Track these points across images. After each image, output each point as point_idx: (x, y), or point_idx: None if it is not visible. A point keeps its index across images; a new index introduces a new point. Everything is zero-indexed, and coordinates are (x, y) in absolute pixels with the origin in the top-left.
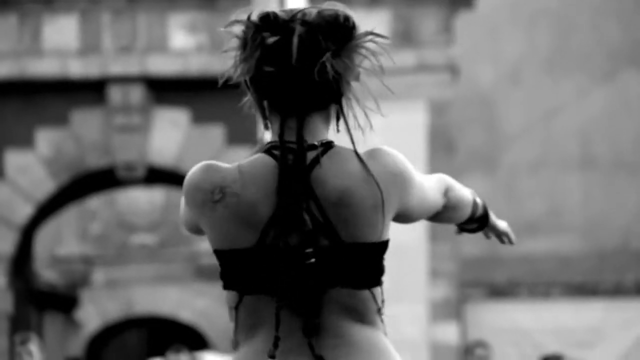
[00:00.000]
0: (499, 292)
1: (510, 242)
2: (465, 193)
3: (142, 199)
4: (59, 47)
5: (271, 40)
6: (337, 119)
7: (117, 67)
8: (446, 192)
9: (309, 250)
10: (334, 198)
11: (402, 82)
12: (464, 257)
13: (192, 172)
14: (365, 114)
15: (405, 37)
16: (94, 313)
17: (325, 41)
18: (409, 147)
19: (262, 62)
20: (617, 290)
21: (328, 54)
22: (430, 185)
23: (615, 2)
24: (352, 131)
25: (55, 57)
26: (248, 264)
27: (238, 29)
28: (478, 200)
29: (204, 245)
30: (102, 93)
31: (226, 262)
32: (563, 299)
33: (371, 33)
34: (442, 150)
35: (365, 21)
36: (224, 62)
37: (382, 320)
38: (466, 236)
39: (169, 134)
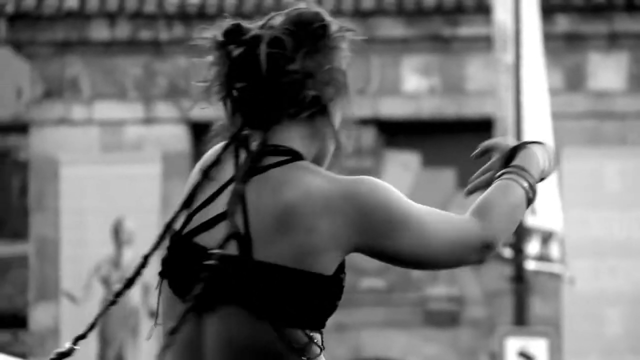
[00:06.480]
0: None
1: None
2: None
3: None
4: None
5: (236, 52)
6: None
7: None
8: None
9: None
10: (270, 211)
11: None
12: None
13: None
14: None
15: None
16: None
17: (296, 44)
18: None
19: (232, 79)
20: None
21: (300, 58)
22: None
23: None
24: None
25: None
26: (168, 248)
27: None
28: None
29: (433, 291)
30: None
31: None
32: None
33: (344, 29)
34: None
35: (604, 63)
36: (458, 105)
37: None
38: None
39: (400, 178)
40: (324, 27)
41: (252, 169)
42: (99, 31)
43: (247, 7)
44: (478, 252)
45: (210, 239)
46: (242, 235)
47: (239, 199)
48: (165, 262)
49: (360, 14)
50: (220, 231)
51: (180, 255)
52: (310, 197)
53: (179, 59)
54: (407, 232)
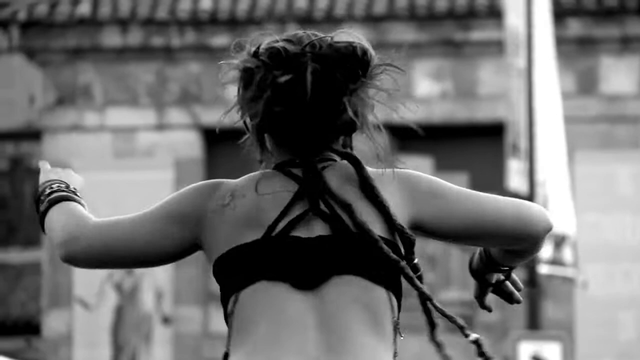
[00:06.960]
0: None
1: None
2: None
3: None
4: None
5: (283, 79)
6: (346, 146)
7: None
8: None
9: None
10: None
11: None
12: None
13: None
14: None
15: None
16: None
17: (342, 77)
18: None
19: (272, 103)
20: None
21: (348, 96)
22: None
23: None
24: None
25: None
26: (255, 255)
27: (239, 61)
28: None
29: (446, 295)
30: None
31: (228, 263)
32: None
33: (386, 64)
34: None
35: (616, 66)
36: (470, 110)
37: (396, 337)
38: None
39: None
40: (369, 62)
41: (318, 172)
42: (111, 38)
43: (258, 13)
44: (543, 224)
45: (305, 230)
46: (337, 218)
47: (324, 188)
48: (257, 263)
49: (372, 19)
50: (311, 223)
51: (279, 251)
52: (375, 178)
53: (191, 65)
54: (452, 191)
